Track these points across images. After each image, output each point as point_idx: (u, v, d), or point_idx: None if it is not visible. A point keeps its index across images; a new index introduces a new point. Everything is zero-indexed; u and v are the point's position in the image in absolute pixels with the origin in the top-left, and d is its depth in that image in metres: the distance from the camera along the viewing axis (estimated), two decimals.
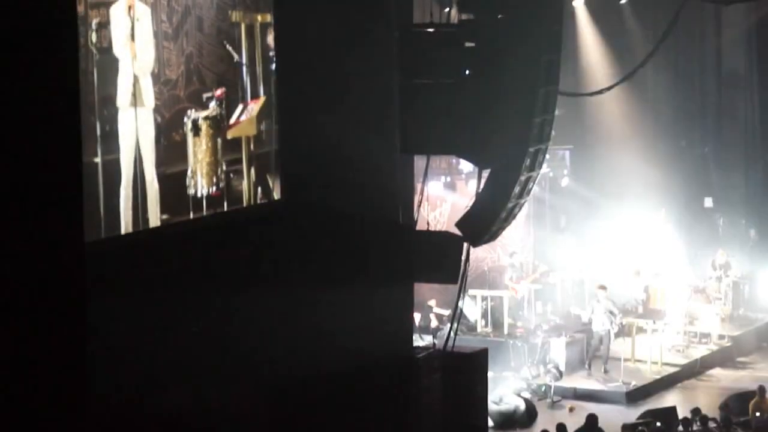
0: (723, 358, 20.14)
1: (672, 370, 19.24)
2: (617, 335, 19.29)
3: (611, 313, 18.97)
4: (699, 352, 20.04)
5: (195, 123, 11.51)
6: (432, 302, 19.21)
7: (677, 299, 20.52)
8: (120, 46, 10.54)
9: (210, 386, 11.25)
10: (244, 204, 12.35)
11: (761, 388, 16.24)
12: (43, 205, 5.26)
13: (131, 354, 10.24)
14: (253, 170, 12.44)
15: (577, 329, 19.64)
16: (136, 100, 10.74)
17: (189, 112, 11.45)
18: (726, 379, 19.30)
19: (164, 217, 11.15)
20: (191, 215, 11.55)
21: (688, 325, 20.39)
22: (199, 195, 11.62)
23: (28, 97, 5.17)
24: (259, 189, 12.58)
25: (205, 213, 11.68)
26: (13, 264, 5.17)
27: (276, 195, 12.79)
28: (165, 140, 11.18)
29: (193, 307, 11.09)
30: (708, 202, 23.93)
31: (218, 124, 11.86)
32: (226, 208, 12.01)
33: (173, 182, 11.30)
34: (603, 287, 19.43)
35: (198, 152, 11.60)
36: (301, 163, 12.83)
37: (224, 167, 11.92)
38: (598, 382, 18.65)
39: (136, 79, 10.73)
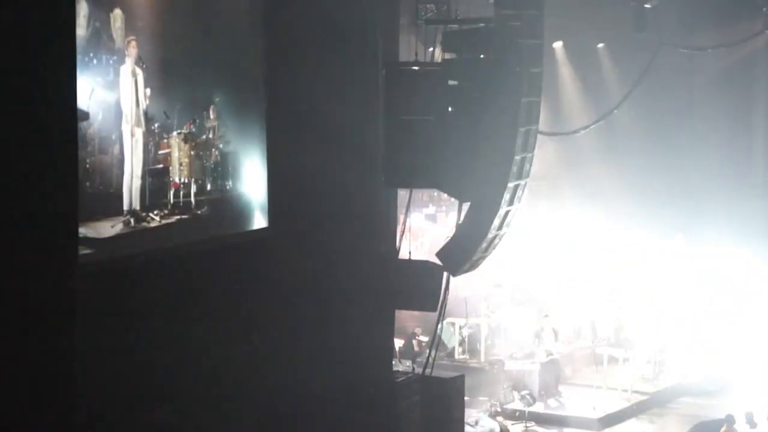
0: (693, 387, 20.19)
1: (642, 397, 19.37)
2: (597, 362, 19.59)
3: (550, 339, 19.55)
4: (669, 380, 20.19)
5: (182, 145, 11.80)
6: (418, 330, 19.54)
7: (649, 328, 20.80)
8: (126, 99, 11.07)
9: (194, 406, 11.47)
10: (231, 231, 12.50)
11: (729, 417, 16.26)
12: (36, 217, 5.36)
13: (120, 373, 10.48)
14: None
15: (549, 356, 19.93)
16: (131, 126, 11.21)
17: (180, 136, 11.79)
18: (695, 407, 19.27)
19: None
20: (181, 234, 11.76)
21: (659, 354, 20.54)
22: (186, 215, 11.82)
23: (25, 112, 5.34)
24: None
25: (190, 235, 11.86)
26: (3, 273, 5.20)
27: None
28: (153, 161, 11.50)
29: (179, 331, 11.30)
30: (680, 239, 24.14)
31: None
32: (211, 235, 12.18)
33: (161, 194, 11.55)
34: (547, 315, 20.06)
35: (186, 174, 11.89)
36: (287, 193, 12.97)
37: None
38: (570, 408, 18.87)
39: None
